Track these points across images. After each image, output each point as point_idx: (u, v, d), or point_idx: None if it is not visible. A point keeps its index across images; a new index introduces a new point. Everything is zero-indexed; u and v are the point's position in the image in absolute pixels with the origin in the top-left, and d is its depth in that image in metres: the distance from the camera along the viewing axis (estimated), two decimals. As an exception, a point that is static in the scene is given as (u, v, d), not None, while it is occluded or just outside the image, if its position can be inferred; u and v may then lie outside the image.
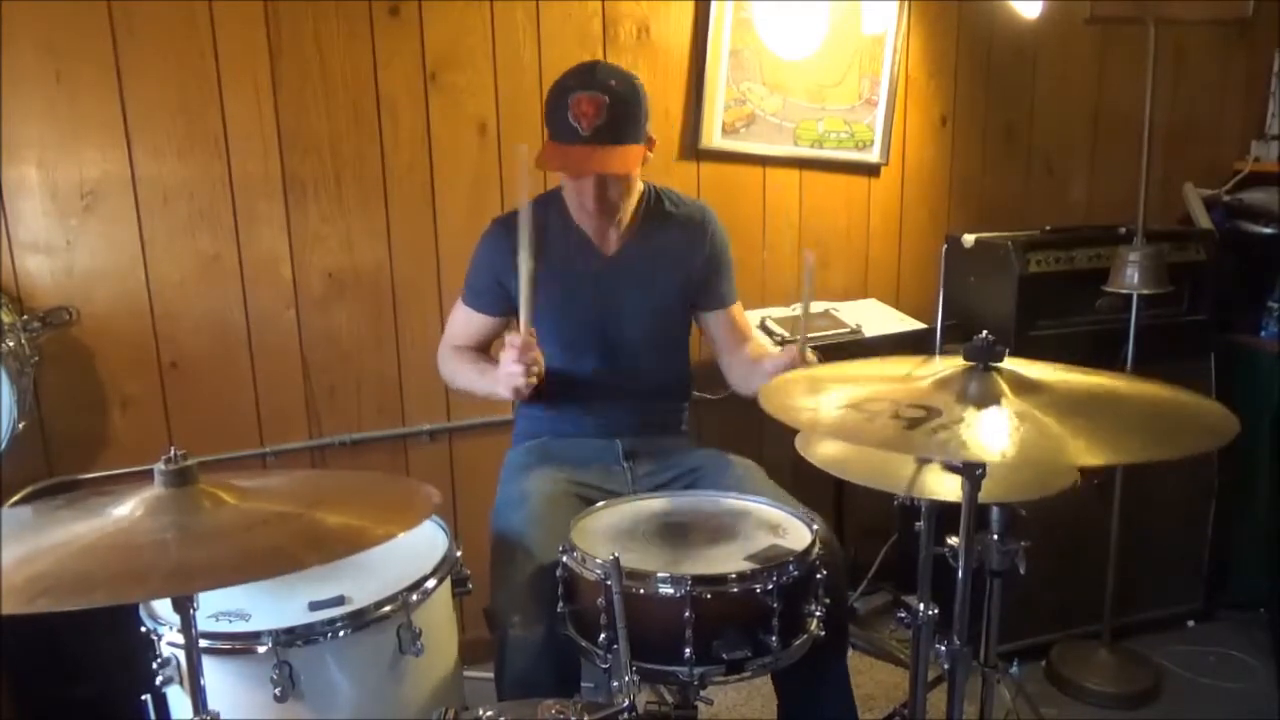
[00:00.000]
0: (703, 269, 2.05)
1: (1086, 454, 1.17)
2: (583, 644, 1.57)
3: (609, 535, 1.68)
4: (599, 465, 1.99)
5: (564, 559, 1.59)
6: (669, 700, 1.56)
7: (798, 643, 1.55)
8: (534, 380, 1.81)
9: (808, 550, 1.56)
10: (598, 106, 1.77)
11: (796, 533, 1.65)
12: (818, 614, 1.58)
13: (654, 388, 2.06)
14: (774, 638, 1.48)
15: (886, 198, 2.96)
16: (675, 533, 1.68)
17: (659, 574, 1.47)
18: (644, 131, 1.87)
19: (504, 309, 2.02)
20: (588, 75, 1.82)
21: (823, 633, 1.58)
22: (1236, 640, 2.75)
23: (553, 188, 2.02)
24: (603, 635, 1.51)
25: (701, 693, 1.49)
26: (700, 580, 1.46)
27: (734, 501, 1.81)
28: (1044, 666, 2.62)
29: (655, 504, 1.81)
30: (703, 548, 1.61)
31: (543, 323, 1.99)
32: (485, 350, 2.11)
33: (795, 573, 1.51)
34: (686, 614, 1.44)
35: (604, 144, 1.80)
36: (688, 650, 1.46)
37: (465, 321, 2.08)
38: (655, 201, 2.02)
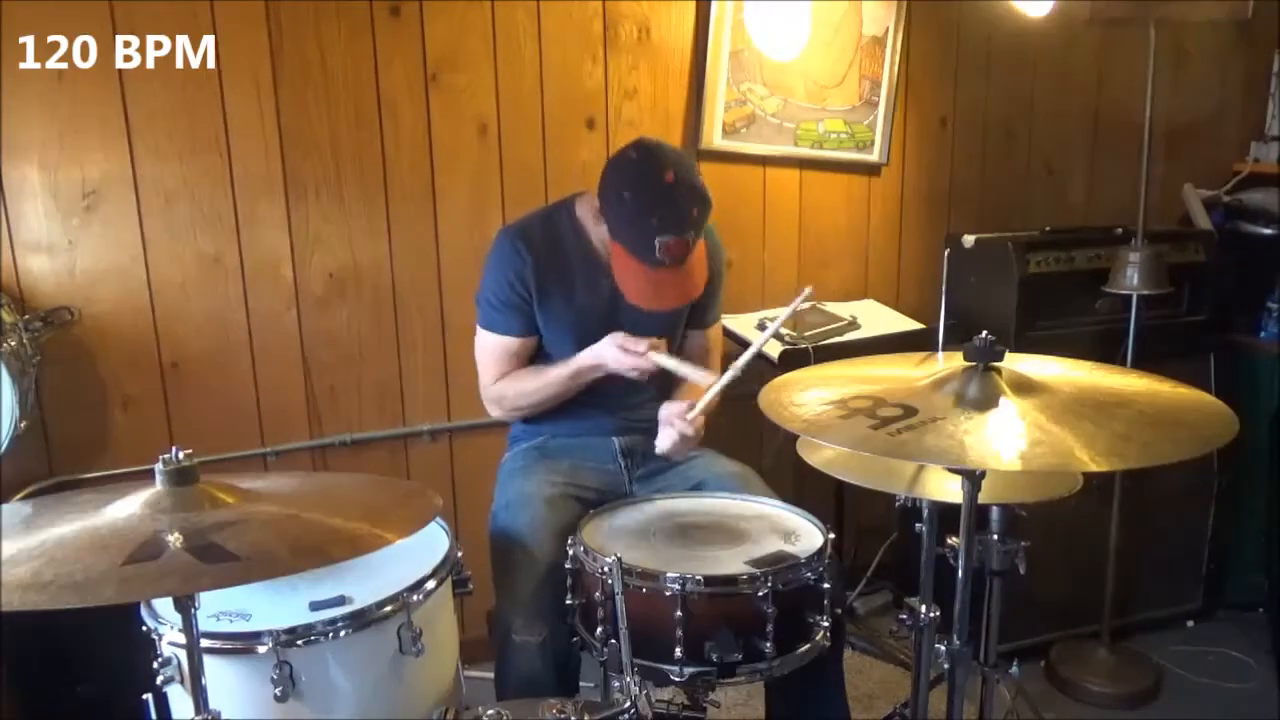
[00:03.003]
0: (704, 287, 2.04)
1: (1092, 462, 1.17)
2: (587, 637, 1.59)
3: (620, 534, 1.69)
4: (595, 465, 1.99)
5: (571, 552, 1.61)
6: (678, 701, 1.57)
7: (797, 652, 1.54)
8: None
9: (811, 559, 1.55)
10: (685, 247, 1.75)
11: (809, 539, 1.65)
12: (824, 624, 1.57)
13: (651, 389, 2.05)
14: (769, 644, 1.48)
15: (886, 198, 2.95)
16: (686, 534, 1.69)
17: (651, 571, 1.48)
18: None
19: (531, 325, 1.95)
20: (671, 210, 1.74)
21: (828, 644, 1.58)
22: (1236, 640, 2.75)
23: (565, 198, 2.01)
24: (600, 630, 1.53)
25: (710, 694, 1.50)
26: (694, 580, 1.47)
27: (752, 505, 1.81)
28: (1044, 666, 2.62)
29: (672, 504, 1.83)
30: (709, 550, 1.62)
31: (549, 328, 1.98)
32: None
33: (794, 579, 1.51)
34: (677, 613, 1.45)
35: (677, 266, 1.78)
36: (678, 650, 1.47)
37: (501, 351, 1.96)
38: None
